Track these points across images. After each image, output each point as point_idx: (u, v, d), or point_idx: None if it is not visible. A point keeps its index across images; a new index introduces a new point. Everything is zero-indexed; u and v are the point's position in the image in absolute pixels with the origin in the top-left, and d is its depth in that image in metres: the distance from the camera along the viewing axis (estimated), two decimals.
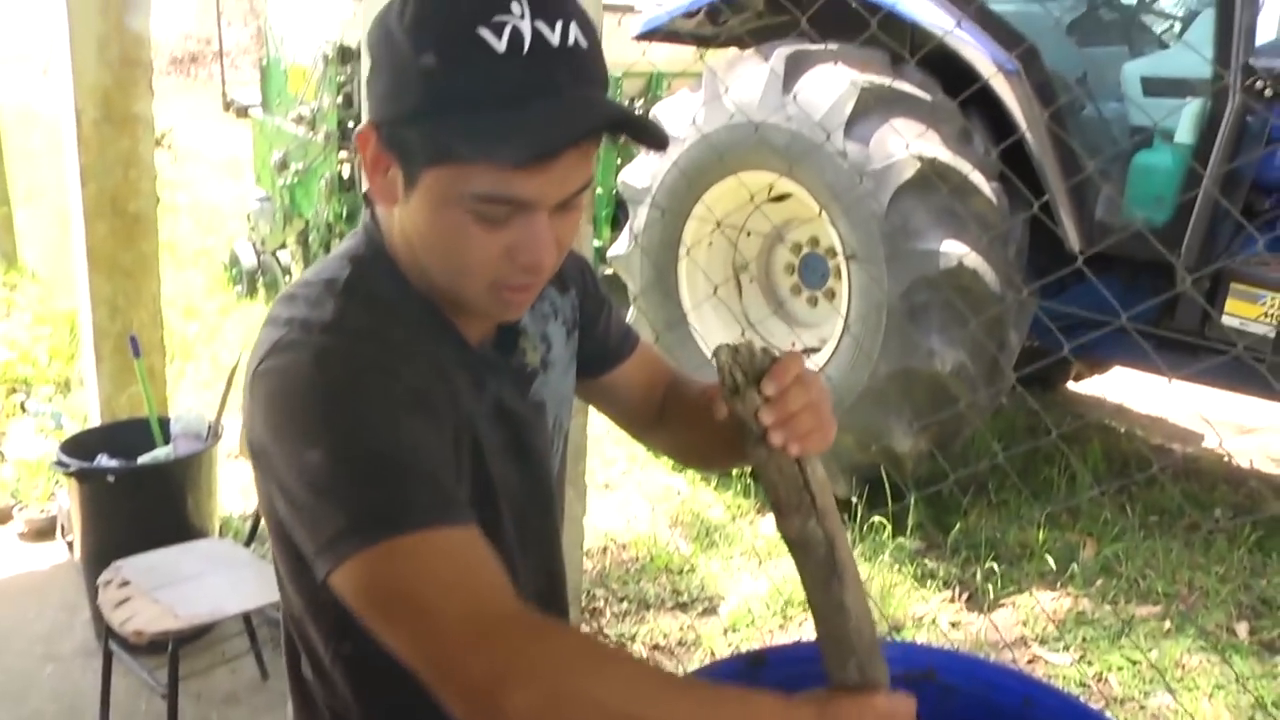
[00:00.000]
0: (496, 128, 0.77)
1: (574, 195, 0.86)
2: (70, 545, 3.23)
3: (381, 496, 0.79)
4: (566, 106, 0.80)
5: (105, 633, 2.35)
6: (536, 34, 0.78)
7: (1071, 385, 4.84)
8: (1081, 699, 1.15)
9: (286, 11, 6.35)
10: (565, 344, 1.10)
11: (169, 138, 7.01)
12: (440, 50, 0.79)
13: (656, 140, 0.87)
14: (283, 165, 6.10)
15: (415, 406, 0.84)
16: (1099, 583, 3.14)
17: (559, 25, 0.79)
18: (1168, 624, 2.95)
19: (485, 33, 0.77)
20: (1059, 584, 3.17)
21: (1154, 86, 3.36)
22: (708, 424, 0.99)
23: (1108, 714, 1.06)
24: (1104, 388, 4.85)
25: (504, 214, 0.83)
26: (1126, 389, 4.76)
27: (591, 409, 1.30)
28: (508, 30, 0.77)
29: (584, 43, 0.81)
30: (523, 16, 0.78)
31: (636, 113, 0.88)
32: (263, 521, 1.12)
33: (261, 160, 6.51)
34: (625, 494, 4.02)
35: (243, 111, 6.96)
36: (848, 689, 0.87)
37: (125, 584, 2.29)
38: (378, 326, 0.88)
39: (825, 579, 0.88)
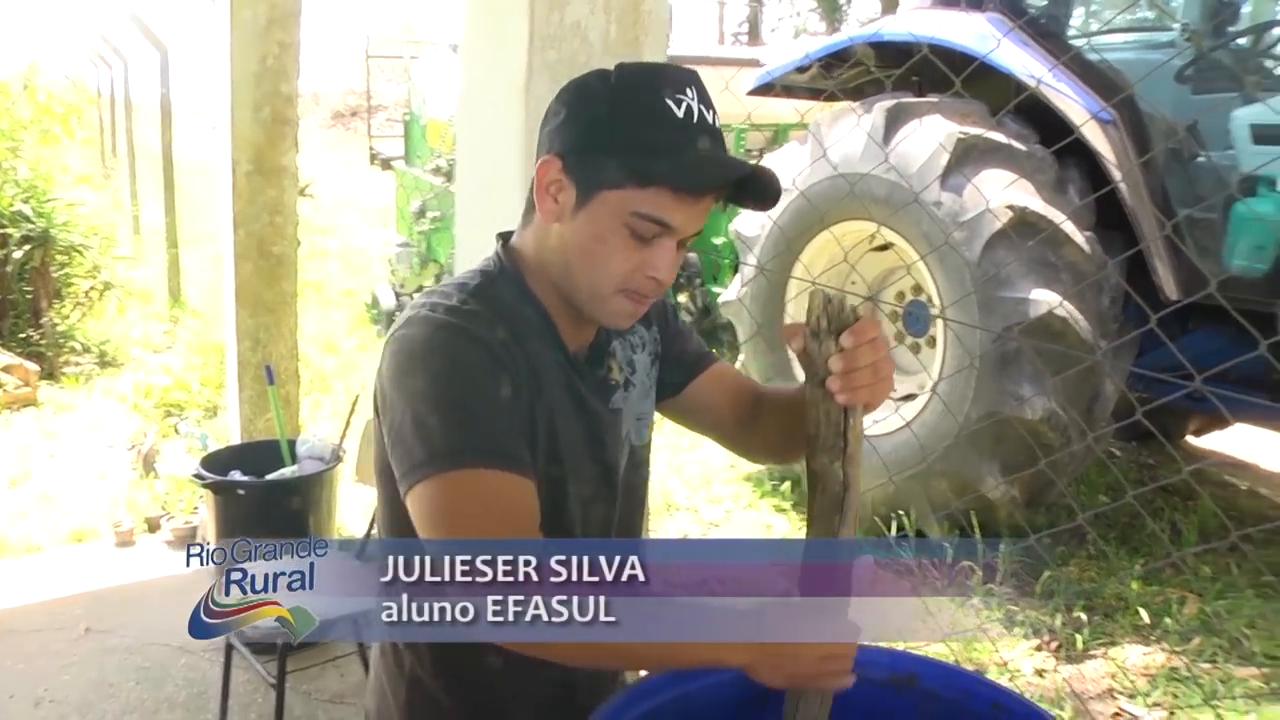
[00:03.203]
0: (679, 165, 1.05)
1: (695, 234, 1.11)
2: None
3: (456, 438, 1.01)
4: (721, 160, 1.09)
5: None
6: (700, 111, 1.07)
7: (1192, 439, 4.68)
8: (1048, 710, 1.22)
9: (428, 71, 6.81)
10: (648, 371, 1.30)
11: (311, 188, 7.58)
12: (636, 108, 1.07)
13: (769, 200, 1.12)
14: (421, 213, 6.53)
15: (499, 378, 1.06)
16: (1196, 640, 3.06)
17: (710, 110, 1.09)
18: (1268, 688, 2.84)
19: (669, 103, 1.06)
20: (1153, 639, 3.09)
21: (1263, 134, 3.30)
22: (792, 415, 1.21)
23: None
24: (1228, 442, 4.66)
25: (651, 233, 1.07)
26: (1255, 444, 4.56)
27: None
28: (684, 105, 1.06)
29: (719, 125, 1.11)
30: (693, 99, 1.07)
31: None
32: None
33: (402, 209, 6.97)
34: (727, 532, 4.14)
35: (386, 164, 7.48)
36: (815, 609, 1.02)
37: None
38: (489, 317, 1.09)
39: (830, 513, 1.05)
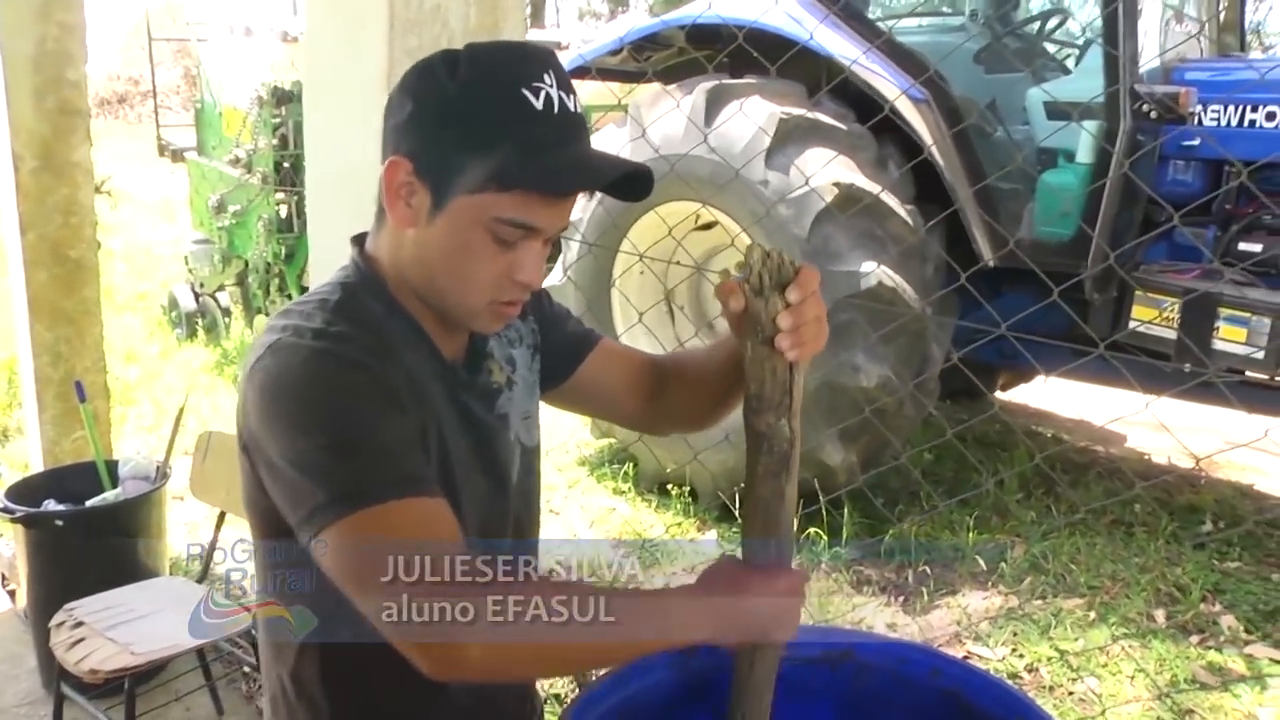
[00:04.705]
0: (541, 167, 0.96)
1: (562, 229, 1.04)
2: (11, 594, 3.21)
3: (354, 474, 0.91)
4: (589, 157, 1.01)
5: (57, 676, 2.37)
6: (560, 99, 0.98)
7: (1000, 394, 5.04)
8: (989, 671, 1.28)
9: (219, 55, 6.38)
10: (529, 366, 1.23)
11: (108, 184, 6.96)
12: (490, 103, 0.97)
13: (641, 194, 1.04)
14: (220, 207, 6.11)
15: (387, 401, 0.97)
16: (1028, 580, 3.31)
17: (571, 97, 1.00)
18: (1092, 614, 3.12)
19: (526, 94, 0.96)
20: (990, 583, 3.32)
21: (1055, 110, 3.57)
22: (708, 379, 1.21)
23: (1004, 679, 1.18)
24: (1030, 395, 5.06)
25: (516, 237, 1.00)
26: (1052, 396, 4.97)
27: None
28: (542, 94, 0.97)
29: (581, 111, 1.02)
30: (552, 85, 0.98)
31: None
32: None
33: (199, 203, 6.51)
34: (569, 518, 4.11)
35: (178, 155, 6.95)
36: (760, 567, 1.04)
37: (79, 625, 2.32)
38: (359, 335, 1.00)
39: (777, 471, 1.03)
